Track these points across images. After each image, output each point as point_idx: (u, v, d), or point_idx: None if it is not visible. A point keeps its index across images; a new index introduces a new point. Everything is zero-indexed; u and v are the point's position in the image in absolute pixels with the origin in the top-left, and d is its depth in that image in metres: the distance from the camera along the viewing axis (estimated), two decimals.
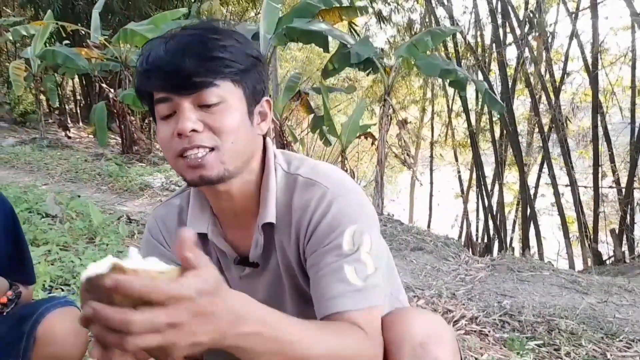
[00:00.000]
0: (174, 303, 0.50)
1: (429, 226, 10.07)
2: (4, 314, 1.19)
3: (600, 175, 6.75)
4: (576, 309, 2.97)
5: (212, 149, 0.81)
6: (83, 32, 8.50)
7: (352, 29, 7.34)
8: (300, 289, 0.95)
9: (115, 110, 8.14)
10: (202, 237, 0.96)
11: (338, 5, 6.17)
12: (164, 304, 0.50)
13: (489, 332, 2.66)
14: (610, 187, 7.28)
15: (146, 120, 10.17)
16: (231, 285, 1.00)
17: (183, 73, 0.78)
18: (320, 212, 0.86)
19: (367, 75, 6.76)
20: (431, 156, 10.69)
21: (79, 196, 4.57)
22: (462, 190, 10.23)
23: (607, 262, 6.72)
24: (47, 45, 8.30)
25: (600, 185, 6.81)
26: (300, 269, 0.93)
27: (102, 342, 0.51)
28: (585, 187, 7.76)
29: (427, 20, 8.67)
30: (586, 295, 3.37)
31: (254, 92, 0.86)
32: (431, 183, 10.73)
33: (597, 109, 6.29)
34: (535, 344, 2.49)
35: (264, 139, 0.95)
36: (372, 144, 6.94)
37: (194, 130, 0.79)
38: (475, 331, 2.67)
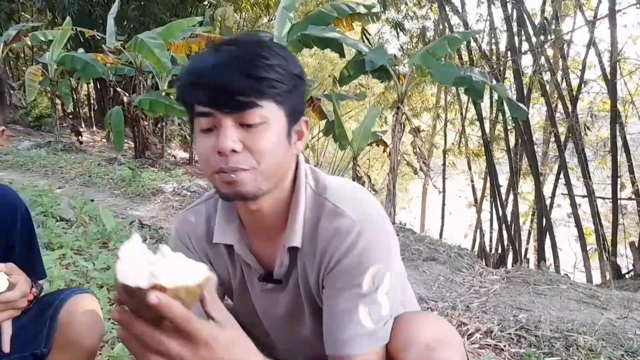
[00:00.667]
0: (196, 342, 0.59)
1: (441, 235, 9.96)
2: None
3: (619, 186, 6.61)
4: (595, 324, 2.88)
5: (248, 170, 0.82)
6: (98, 37, 8.61)
7: (364, 37, 7.33)
8: (319, 308, 0.95)
9: (129, 115, 8.21)
10: (228, 248, 0.98)
11: (351, 12, 6.17)
12: (189, 339, 0.58)
13: (505, 346, 2.59)
14: (630, 198, 7.12)
15: (158, 125, 10.25)
16: (253, 297, 1.03)
17: (228, 91, 0.78)
18: (345, 247, 0.86)
19: (382, 82, 6.73)
20: (444, 164, 10.60)
21: (92, 200, 4.59)
22: (475, 200, 10.11)
23: (627, 276, 6.56)
24: (65, 50, 8.42)
25: (619, 197, 6.67)
26: (318, 293, 0.94)
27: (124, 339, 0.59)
28: (603, 198, 7.60)
29: (441, 27, 8.63)
30: (605, 311, 3.27)
31: (293, 111, 0.86)
32: (444, 191, 10.63)
33: (615, 118, 6.17)
34: None
35: (297, 156, 0.94)
36: (384, 151, 6.90)
37: (233, 150, 0.79)
38: (490, 345, 2.60)
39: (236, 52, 0.80)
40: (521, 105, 5.62)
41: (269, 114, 0.80)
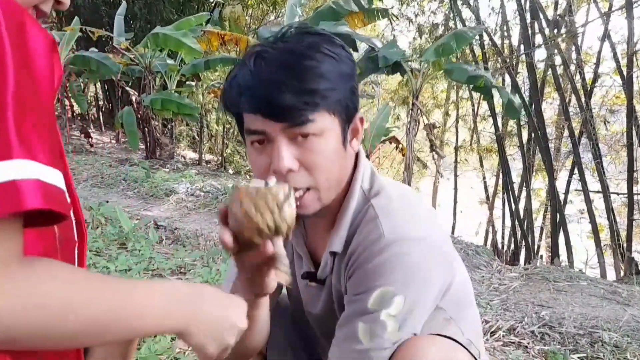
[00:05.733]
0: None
1: (452, 233, 9.90)
2: None
3: (634, 181, 6.51)
4: (619, 321, 2.85)
5: (307, 189, 0.81)
6: (105, 37, 8.62)
7: (391, 21, 7.30)
8: None
9: (139, 115, 8.22)
10: None
11: (357, 9, 6.14)
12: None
13: (529, 344, 2.57)
14: None
15: (168, 126, 10.27)
16: (299, 286, 1.03)
17: (279, 104, 0.75)
18: (363, 258, 0.82)
19: (391, 77, 6.69)
20: (455, 161, 10.52)
21: (107, 202, 4.61)
22: (487, 197, 10.03)
23: None
24: (72, 51, 8.44)
25: (634, 192, 6.57)
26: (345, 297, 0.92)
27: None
28: (617, 193, 7.50)
29: (452, 19, 8.55)
30: (628, 307, 3.24)
31: (347, 112, 0.82)
32: (455, 189, 10.57)
33: (631, 112, 6.08)
34: (579, 357, 2.39)
35: (357, 155, 0.91)
36: (396, 148, 6.86)
37: (289, 170, 0.78)
38: (513, 343, 2.58)
39: (284, 60, 0.76)
40: (518, 102, 5.62)
41: (324, 125, 0.77)
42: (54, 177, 0.46)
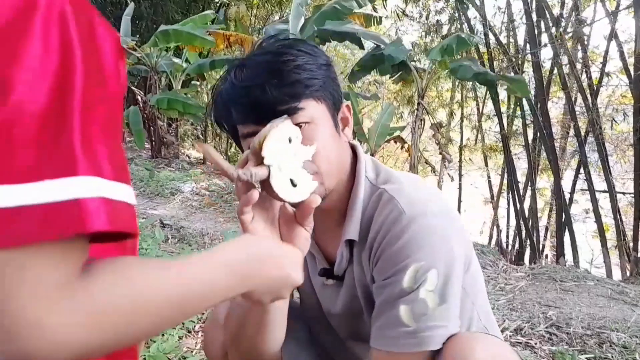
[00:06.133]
0: None
1: None
2: None
3: None
4: (627, 321, 2.83)
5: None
6: None
7: (398, 17, 7.37)
8: (374, 304, 0.91)
9: (144, 115, 8.24)
10: None
11: (357, 10, 6.16)
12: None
13: (536, 344, 2.56)
14: None
15: (173, 125, 10.29)
16: (315, 287, 1.02)
17: (265, 104, 0.77)
18: (389, 238, 0.82)
19: (393, 80, 6.70)
20: (460, 161, 10.49)
21: None
22: (492, 196, 10.00)
23: None
24: None
25: None
26: (372, 286, 0.91)
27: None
28: (624, 193, 7.46)
29: (458, 19, 8.51)
30: (636, 307, 3.22)
31: (334, 100, 0.85)
32: (460, 188, 10.53)
33: (639, 111, 6.05)
34: (587, 358, 2.38)
35: (353, 147, 0.93)
36: (401, 147, 6.84)
37: None
38: (520, 343, 2.57)
39: (262, 64, 0.79)
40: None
41: (313, 112, 0.80)
42: (121, 192, 0.44)
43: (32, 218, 0.38)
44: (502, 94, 5.73)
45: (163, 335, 1.90)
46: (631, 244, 6.68)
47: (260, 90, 0.77)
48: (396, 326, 0.80)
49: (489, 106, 9.06)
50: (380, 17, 6.90)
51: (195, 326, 2.10)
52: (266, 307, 0.80)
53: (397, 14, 9.31)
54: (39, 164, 0.39)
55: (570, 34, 6.66)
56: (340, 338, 1.07)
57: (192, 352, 1.88)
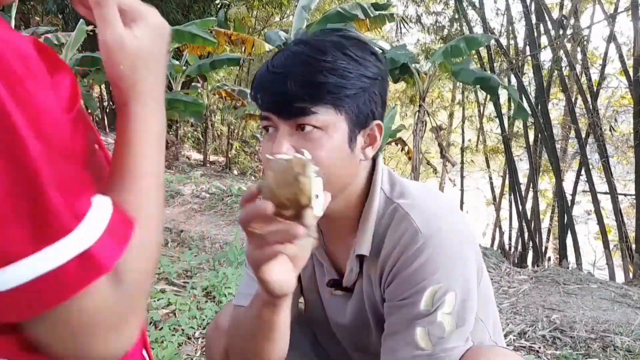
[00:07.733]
0: None
1: None
2: None
3: None
4: (630, 324, 2.81)
5: None
6: None
7: (401, 25, 7.34)
8: (383, 319, 0.90)
9: None
10: None
11: (363, 16, 6.14)
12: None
13: (540, 348, 2.54)
14: None
15: (173, 127, 10.29)
16: (323, 298, 1.00)
17: (285, 97, 0.76)
18: (405, 259, 0.80)
19: (397, 82, 6.69)
20: (462, 162, 10.48)
21: None
22: (494, 198, 9.98)
23: None
24: (78, 52, 8.43)
25: None
26: (381, 303, 0.89)
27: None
28: (625, 194, 7.44)
29: (457, 19, 8.51)
30: (639, 310, 3.20)
31: (360, 115, 0.80)
32: (462, 190, 10.52)
33: (639, 113, 6.03)
34: None
35: (374, 160, 0.90)
36: (402, 149, 6.84)
37: None
38: (524, 347, 2.55)
39: (301, 56, 0.77)
40: (525, 107, 5.59)
41: (326, 121, 0.77)
42: (108, 210, 0.44)
43: (66, 278, 0.40)
44: (503, 98, 5.71)
45: (162, 342, 1.87)
46: (633, 246, 6.66)
47: (285, 82, 0.75)
48: (411, 348, 0.79)
49: (490, 107, 9.07)
50: (392, 14, 6.79)
51: (195, 332, 2.08)
52: (272, 304, 0.74)
53: (404, 20, 9.27)
54: (33, 236, 0.38)
55: (569, 37, 6.65)
56: (346, 349, 1.05)
57: (192, 359, 1.86)
